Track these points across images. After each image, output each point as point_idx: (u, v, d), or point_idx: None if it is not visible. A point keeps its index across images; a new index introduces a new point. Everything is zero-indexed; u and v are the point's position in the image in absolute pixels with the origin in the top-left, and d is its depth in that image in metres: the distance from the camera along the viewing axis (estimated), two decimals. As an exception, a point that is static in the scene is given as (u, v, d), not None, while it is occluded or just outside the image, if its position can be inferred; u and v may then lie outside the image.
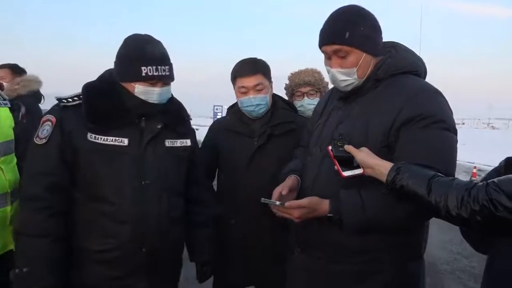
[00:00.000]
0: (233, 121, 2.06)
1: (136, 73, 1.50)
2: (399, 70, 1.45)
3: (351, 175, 1.33)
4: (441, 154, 1.32)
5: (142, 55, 1.51)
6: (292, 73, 2.50)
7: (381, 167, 1.27)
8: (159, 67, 1.51)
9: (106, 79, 1.61)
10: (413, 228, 1.45)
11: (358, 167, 1.33)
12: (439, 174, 1.20)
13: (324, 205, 1.39)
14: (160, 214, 1.57)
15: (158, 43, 1.56)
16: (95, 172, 1.50)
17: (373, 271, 1.41)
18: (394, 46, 1.51)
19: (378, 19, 1.46)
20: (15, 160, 2.00)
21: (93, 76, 1.65)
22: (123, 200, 1.51)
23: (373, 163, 1.29)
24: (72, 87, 1.72)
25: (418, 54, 1.56)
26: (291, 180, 1.56)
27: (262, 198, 1.44)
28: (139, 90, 1.53)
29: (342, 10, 1.45)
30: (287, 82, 2.51)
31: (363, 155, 1.31)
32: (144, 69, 1.49)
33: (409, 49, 1.53)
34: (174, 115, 1.71)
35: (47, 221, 1.45)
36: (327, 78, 2.13)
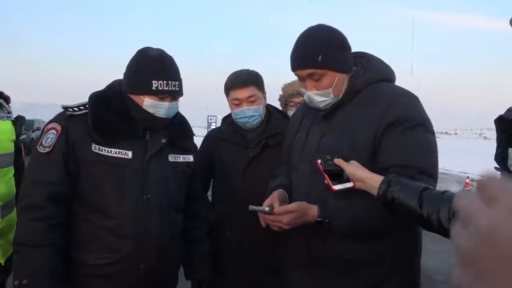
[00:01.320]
0: (228, 132, 2.07)
1: (146, 86, 1.50)
2: (374, 80, 1.48)
3: (341, 189, 1.32)
4: (424, 155, 1.35)
5: (154, 68, 1.50)
6: (285, 84, 2.53)
7: (372, 180, 1.26)
8: (169, 82, 1.51)
9: (114, 89, 1.60)
10: (408, 231, 1.46)
11: (348, 180, 1.32)
12: (430, 187, 1.20)
13: (313, 210, 1.40)
14: (161, 229, 1.55)
15: (170, 58, 1.57)
16: (97, 184, 1.48)
17: (382, 278, 1.41)
18: (363, 56, 1.55)
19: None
20: (11, 172, 1.97)
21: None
22: (124, 213, 1.48)
23: (363, 176, 1.28)
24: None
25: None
26: (278, 193, 1.55)
27: (250, 206, 1.43)
28: (148, 103, 1.52)
29: (311, 32, 1.46)
30: (281, 93, 2.52)
31: (353, 168, 1.31)
32: (155, 83, 1.49)
33: (376, 57, 1.58)
34: (179, 131, 1.70)
35: (48, 231, 1.41)
36: None
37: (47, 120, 1.57)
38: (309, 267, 1.50)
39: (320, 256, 1.46)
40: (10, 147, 1.97)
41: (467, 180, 10.85)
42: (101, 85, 1.64)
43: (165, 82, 1.50)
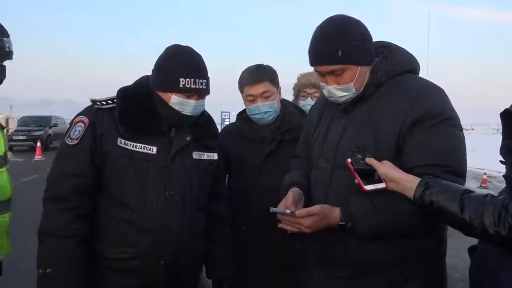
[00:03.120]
0: (243, 127, 2.07)
1: (174, 83, 1.51)
2: (397, 71, 1.42)
3: (373, 189, 1.26)
4: (452, 153, 1.30)
5: (182, 66, 1.51)
6: (301, 74, 2.54)
7: (406, 182, 1.20)
8: (197, 80, 1.51)
9: (142, 85, 1.61)
10: (435, 228, 1.40)
11: (380, 180, 1.26)
12: (470, 189, 1.14)
13: (335, 213, 1.34)
14: (182, 227, 1.56)
15: (198, 56, 1.57)
16: (121, 177, 1.50)
17: (404, 279, 1.36)
18: (385, 46, 1.47)
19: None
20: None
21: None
22: (145, 208, 1.50)
23: (397, 177, 1.22)
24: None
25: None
26: (292, 193, 1.47)
27: (271, 208, 1.38)
28: (175, 100, 1.53)
29: (329, 25, 1.38)
30: (295, 81, 2.55)
31: (386, 168, 1.25)
32: (182, 81, 1.50)
33: (400, 47, 1.50)
34: (204, 128, 1.71)
35: (74, 222, 1.44)
36: None
37: (63, 117, 1.58)
38: (327, 267, 1.46)
39: (338, 257, 1.42)
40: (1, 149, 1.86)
41: (484, 177, 10.66)
42: (119, 82, 1.65)
43: (192, 80, 1.50)
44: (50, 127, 19.15)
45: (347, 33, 1.35)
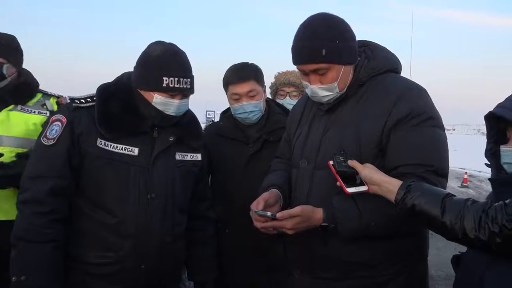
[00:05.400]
0: (227, 127, 2.04)
1: (156, 82, 1.45)
2: (380, 71, 1.42)
3: (355, 192, 1.26)
4: (435, 153, 1.31)
5: (165, 64, 1.45)
6: (279, 72, 2.54)
7: (388, 184, 1.20)
8: (181, 79, 1.46)
9: (123, 83, 1.55)
10: (417, 229, 1.40)
11: (362, 183, 1.26)
12: (452, 193, 1.14)
13: (317, 214, 1.33)
14: (163, 230, 1.52)
15: (182, 54, 1.52)
16: (100, 180, 1.45)
17: (386, 280, 1.36)
18: (367, 45, 1.47)
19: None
20: None
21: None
22: (126, 212, 1.45)
23: (379, 180, 1.23)
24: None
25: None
26: (267, 194, 1.45)
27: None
28: (158, 100, 1.48)
29: (313, 23, 1.37)
30: (273, 80, 2.54)
31: (369, 171, 1.25)
32: (166, 80, 1.44)
33: (382, 46, 1.50)
34: (188, 128, 1.66)
35: (49, 226, 1.39)
36: None
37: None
38: (310, 269, 1.45)
39: (321, 258, 1.41)
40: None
41: (465, 176, 10.84)
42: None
43: (176, 79, 1.45)
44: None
45: (331, 32, 1.34)
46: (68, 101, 2.04)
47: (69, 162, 1.44)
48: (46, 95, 2.13)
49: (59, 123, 1.45)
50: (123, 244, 1.45)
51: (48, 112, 2.04)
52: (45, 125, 1.51)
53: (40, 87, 2.13)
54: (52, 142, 1.43)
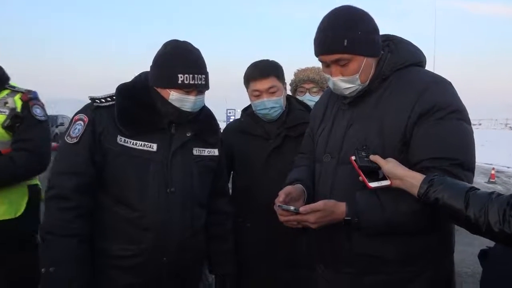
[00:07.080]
0: (248, 123, 2.06)
1: (172, 79, 1.49)
2: (403, 64, 1.40)
3: (378, 187, 1.25)
4: (460, 146, 1.28)
5: (180, 62, 1.50)
6: (298, 69, 2.53)
7: (411, 178, 1.19)
8: (196, 75, 1.50)
9: (141, 82, 1.61)
10: (442, 224, 1.38)
11: (384, 178, 1.26)
12: (476, 186, 1.12)
13: (340, 208, 1.32)
14: (183, 223, 1.56)
15: (196, 51, 1.56)
16: (121, 176, 1.50)
17: (410, 277, 1.35)
18: (391, 40, 1.46)
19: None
20: None
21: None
22: (146, 206, 1.50)
23: (402, 174, 1.21)
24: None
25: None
26: (290, 188, 1.45)
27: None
28: (174, 97, 1.52)
29: (336, 15, 1.36)
30: (293, 77, 2.53)
31: (391, 165, 1.24)
32: (181, 77, 1.48)
33: (406, 40, 1.48)
34: (204, 124, 1.70)
35: (75, 221, 1.45)
36: None
37: (70, 116, 1.59)
38: (333, 263, 1.45)
39: (344, 253, 1.40)
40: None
41: (493, 172, 10.59)
42: (126, 80, 1.65)
43: (191, 75, 1.49)
44: (57, 126, 19.33)
45: (353, 23, 1.33)
46: (31, 96, 2.07)
47: (91, 159, 1.49)
48: (14, 91, 2.05)
49: (81, 122, 1.51)
50: (144, 237, 1.50)
51: (7, 111, 1.98)
52: (69, 124, 1.57)
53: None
54: (75, 140, 1.49)
